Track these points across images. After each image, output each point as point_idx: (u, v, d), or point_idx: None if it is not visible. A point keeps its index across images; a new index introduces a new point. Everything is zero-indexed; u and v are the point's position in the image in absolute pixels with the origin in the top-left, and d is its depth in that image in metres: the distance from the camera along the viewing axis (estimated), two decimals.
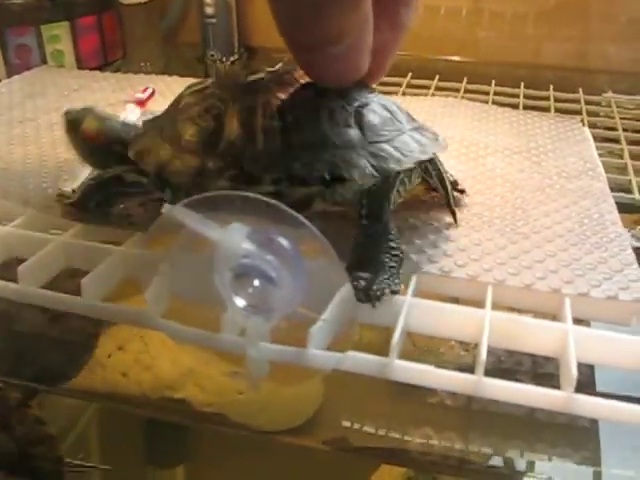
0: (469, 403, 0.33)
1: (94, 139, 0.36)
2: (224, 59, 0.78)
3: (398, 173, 0.32)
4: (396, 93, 0.67)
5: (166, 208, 0.25)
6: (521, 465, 0.33)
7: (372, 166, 0.31)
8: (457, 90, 0.69)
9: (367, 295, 0.28)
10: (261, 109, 0.32)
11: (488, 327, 0.28)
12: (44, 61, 0.70)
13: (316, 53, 0.28)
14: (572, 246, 0.34)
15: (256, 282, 0.25)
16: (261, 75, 0.34)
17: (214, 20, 0.77)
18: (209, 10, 0.77)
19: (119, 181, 0.36)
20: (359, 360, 0.26)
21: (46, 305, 0.31)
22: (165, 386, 0.35)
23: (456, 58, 0.83)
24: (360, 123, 0.32)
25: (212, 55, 0.78)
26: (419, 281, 0.31)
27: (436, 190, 0.37)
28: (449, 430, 0.33)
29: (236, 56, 0.79)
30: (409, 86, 0.71)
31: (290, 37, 0.28)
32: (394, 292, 0.29)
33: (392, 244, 0.31)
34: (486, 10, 0.83)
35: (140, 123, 0.36)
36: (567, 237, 0.35)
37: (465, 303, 0.30)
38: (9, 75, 0.66)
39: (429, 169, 0.35)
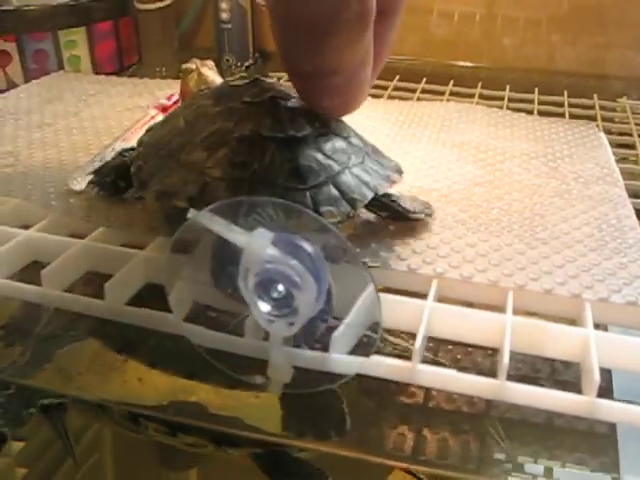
0: (487, 409, 0.33)
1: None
2: (239, 64, 0.78)
3: None
4: (411, 99, 0.67)
5: (192, 213, 0.25)
6: (538, 471, 0.33)
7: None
8: (472, 96, 0.69)
9: None
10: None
11: (510, 332, 0.28)
12: (61, 66, 0.70)
13: (314, 82, 0.28)
14: (591, 251, 0.34)
15: (280, 287, 0.25)
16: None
17: (229, 25, 0.77)
18: (224, 15, 0.77)
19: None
20: (382, 365, 0.27)
21: (69, 308, 0.31)
22: (180, 389, 0.35)
23: (470, 64, 0.83)
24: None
25: (227, 60, 0.78)
26: (440, 286, 0.31)
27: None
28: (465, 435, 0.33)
29: (251, 61, 0.79)
30: (423, 91, 0.71)
31: (289, 63, 0.28)
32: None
33: None
34: (500, 15, 0.83)
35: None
36: (586, 242, 0.35)
37: (485, 309, 0.30)
38: (27, 80, 0.66)
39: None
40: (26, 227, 0.36)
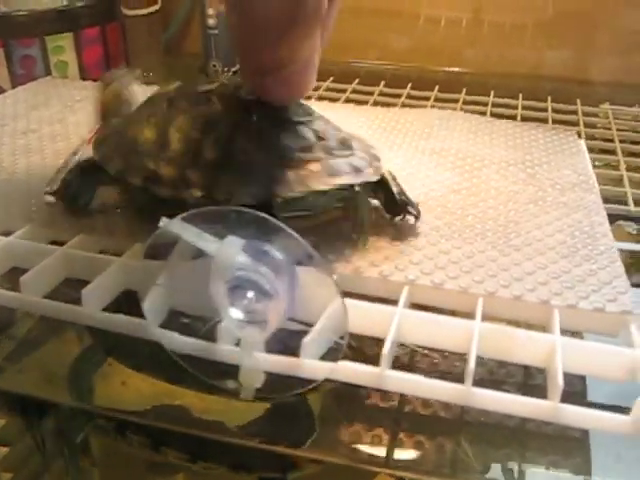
0: (461, 413, 0.33)
1: (108, 105, 0.39)
2: (226, 69, 0.79)
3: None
4: (396, 104, 0.68)
5: (163, 222, 0.26)
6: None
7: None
8: (456, 101, 0.70)
9: None
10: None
11: (477, 338, 0.28)
12: (48, 72, 0.70)
13: (271, 75, 0.30)
14: (562, 258, 0.35)
15: (250, 294, 0.25)
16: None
17: (216, 31, 0.78)
18: (211, 21, 0.78)
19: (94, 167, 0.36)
20: (351, 370, 0.27)
21: (48, 314, 0.32)
22: (164, 393, 0.35)
23: (455, 69, 0.83)
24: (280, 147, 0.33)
25: (214, 65, 0.79)
26: (411, 292, 0.31)
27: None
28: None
29: (238, 66, 0.80)
30: (409, 97, 0.71)
31: (248, 61, 0.30)
32: None
33: None
34: (486, 21, 0.83)
35: None
36: (558, 249, 0.36)
37: (459, 316, 0.31)
38: (14, 85, 0.67)
39: (351, 200, 0.35)
40: (7, 234, 0.36)
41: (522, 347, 0.29)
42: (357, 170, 0.34)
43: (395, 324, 0.29)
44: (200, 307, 0.27)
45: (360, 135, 0.38)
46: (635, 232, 0.48)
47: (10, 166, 0.45)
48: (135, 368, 0.35)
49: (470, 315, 0.31)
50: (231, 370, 0.28)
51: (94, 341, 0.37)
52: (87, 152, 0.40)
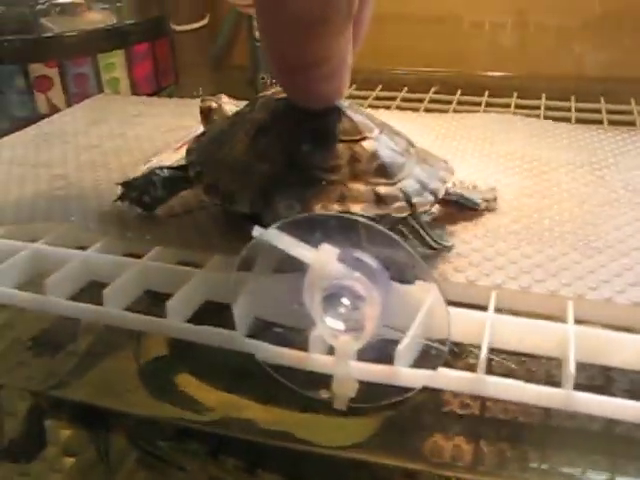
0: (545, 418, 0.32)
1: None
2: (274, 81, 0.79)
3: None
4: (447, 110, 0.67)
5: (257, 231, 0.25)
6: None
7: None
8: (507, 105, 0.69)
9: None
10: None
11: (574, 341, 0.28)
12: (101, 89, 0.71)
13: (302, 75, 0.29)
14: None
15: (346, 301, 0.25)
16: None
17: None
18: (258, 33, 0.78)
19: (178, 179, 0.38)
20: (449, 377, 0.27)
21: (129, 327, 0.32)
22: (231, 405, 0.35)
23: (503, 73, 0.82)
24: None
25: (263, 78, 0.79)
26: (499, 297, 0.31)
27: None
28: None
29: None
30: (459, 103, 0.71)
31: (277, 58, 0.29)
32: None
33: None
34: (531, 23, 0.83)
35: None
36: None
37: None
38: (68, 104, 0.68)
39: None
40: (83, 249, 0.36)
41: (621, 351, 0.28)
42: (380, 201, 0.32)
43: (488, 329, 0.28)
44: (292, 317, 0.27)
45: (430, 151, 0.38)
46: None
47: (78, 182, 0.45)
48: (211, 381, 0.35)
49: (557, 319, 0.30)
50: (324, 380, 0.27)
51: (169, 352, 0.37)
52: (164, 160, 0.40)
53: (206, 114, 0.41)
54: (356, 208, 0.31)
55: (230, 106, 0.41)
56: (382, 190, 0.32)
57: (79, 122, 0.58)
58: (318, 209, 0.31)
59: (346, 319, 0.25)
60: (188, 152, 0.37)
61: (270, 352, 0.28)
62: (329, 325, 0.26)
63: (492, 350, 0.29)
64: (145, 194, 0.38)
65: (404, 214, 0.33)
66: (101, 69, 0.72)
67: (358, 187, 0.32)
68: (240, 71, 0.83)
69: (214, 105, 0.41)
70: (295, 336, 0.28)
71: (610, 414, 0.26)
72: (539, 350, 0.29)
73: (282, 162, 0.33)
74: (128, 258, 0.35)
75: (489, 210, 0.39)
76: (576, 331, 0.28)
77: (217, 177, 0.34)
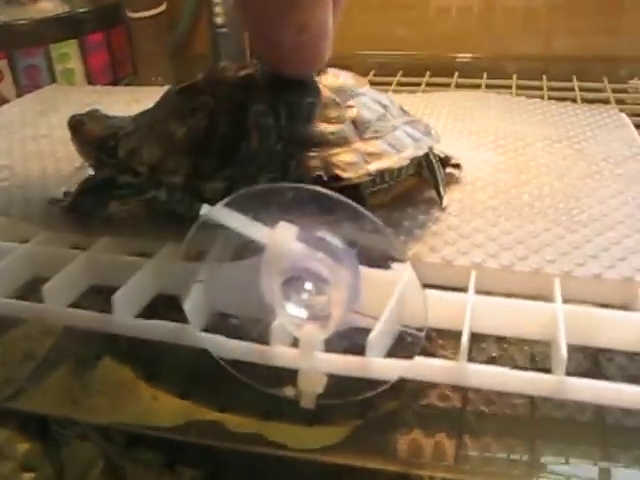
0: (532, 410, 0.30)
1: (95, 140, 0.35)
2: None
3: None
4: (416, 92, 0.65)
5: (205, 209, 0.22)
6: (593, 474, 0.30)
7: (367, 163, 0.30)
8: (478, 86, 0.67)
9: None
10: (253, 106, 0.31)
11: (563, 322, 0.25)
12: (54, 81, 0.68)
13: (284, 45, 0.28)
14: (636, 232, 0.32)
15: (309, 285, 0.22)
16: (251, 70, 0.32)
17: (225, 30, 0.75)
18: (219, 19, 0.75)
19: (110, 184, 0.34)
20: (428, 367, 0.24)
21: (76, 324, 0.29)
22: (196, 409, 0.32)
23: (473, 55, 0.80)
24: (354, 119, 0.31)
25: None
26: (479, 277, 0.28)
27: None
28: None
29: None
30: (428, 85, 0.68)
31: (260, 34, 0.28)
32: None
33: None
34: (498, 6, 0.81)
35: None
36: (628, 223, 0.33)
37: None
38: (19, 96, 0.64)
39: (421, 162, 0.34)
40: (26, 242, 0.33)
41: (612, 330, 0.26)
42: (418, 139, 0.33)
43: (469, 313, 0.25)
44: (250, 306, 0.24)
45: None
46: None
47: (23, 171, 0.42)
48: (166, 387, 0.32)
49: (543, 299, 0.28)
50: (289, 375, 0.24)
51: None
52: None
53: (77, 129, 0.37)
54: (414, 152, 0.32)
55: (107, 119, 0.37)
56: (390, 139, 0.32)
57: (28, 112, 0.55)
58: (390, 164, 0.31)
59: (310, 306, 0.23)
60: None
61: (227, 347, 0.25)
62: (291, 313, 0.23)
63: (474, 335, 0.26)
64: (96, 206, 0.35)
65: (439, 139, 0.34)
66: (54, 60, 0.68)
67: (398, 134, 0.32)
68: (201, 59, 0.79)
69: (85, 120, 0.37)
70: (255, 328, 0.25)
71: (606, 400, 0.23)
72: (526, 333, 0.27)
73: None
74: (71, 250, 0.32)
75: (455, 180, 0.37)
76: (565, 311, 0.26)
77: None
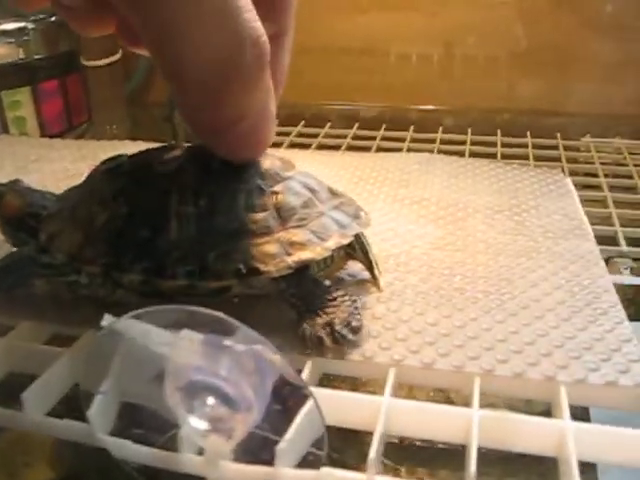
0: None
1: (14, 214, 0.34)
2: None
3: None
4: (371, 147, 0.65)
5: (107, 320, 0.22)
6: None
7: (288, 255, 0.29)
8: (433, 141, 0.67)
9: (334, 339, 0.28)
10: (176, 194, 0.30)
11: (477, 428, 0.25)
12: (5, 128, 0.67)
13: (224, 133, 0.27)
14: (564, 321, 0.31)
15: (210, 400, 0.22)
16: (179, 153, 0.32)
17: None
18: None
19: (32, 262, 0.33)
20: (334, 478, 0.23)
21: None
22: None
23: (430, 107, 0.81)
24: (278, 206, 0.31)
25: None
26: (398, 375, 0.28)
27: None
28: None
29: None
30: (383, 139, 0.69)
31: (195, 121, 0.27)
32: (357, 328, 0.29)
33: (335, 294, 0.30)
34: (458, 56, 0.81)
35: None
36: (558, 311, 0.32)
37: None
38: None
39: (353, 244, 0.33)
40: None
41: (529, 435, 0.25)
42: (345, 225, 0.32)
43: (382, 418, 0.25)
44: (155, 414, 0.23)
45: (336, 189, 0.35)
46: (628, 271, 0.45)
47: None
48: None
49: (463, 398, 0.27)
50: None
51: None
52: None
53: None
54: (339, 239, 0.31)
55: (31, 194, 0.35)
56: (315, 227, 0.31)
57: None
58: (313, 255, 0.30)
59: (213, 419, 0.22)
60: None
61: (131, 450, 0.24)
62: (195, 426, 0.22)
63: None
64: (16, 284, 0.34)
65: (368, 225, 0.34)
66: (5, 107, 0.68)
67: (324, 222, 0.31)
68: (158, 107, 0.79)
69: (6, 192, 0.35)
70: (160, 435, 0.24)
71: None
72: (442, 437, 0.26)
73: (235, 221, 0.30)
74: None
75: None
76: (481, 416, 0.25)
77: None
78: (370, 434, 0.24)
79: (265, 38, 0.25)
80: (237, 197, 0.30)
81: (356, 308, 0.30)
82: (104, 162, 0.33)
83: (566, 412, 0.26)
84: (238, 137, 0.28)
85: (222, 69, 0.25)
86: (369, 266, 0.35)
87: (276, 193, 0.31)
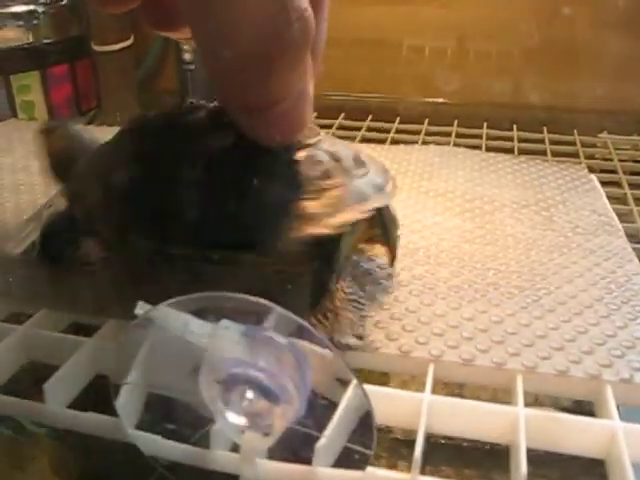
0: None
1: (60, 154, 0.34)
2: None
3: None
4: (385, 140, 0.64)
5: (141, 307, 0.21)
6: None
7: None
8: (448, 134, 0.66)
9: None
10: (194, 159, 0.29)
11: (524, 427, 0.24)
12: (14, 113, 0.66)
13: (264, 113, 0.26)
14: (603, 319, 0.30)
15: (249, 394, 0.20)
16: (202, 114, 0.31)
17: (192, 66, 0.73)
18: (187, 56, 0.74)
19: (71, 222, 0.32)
20: (378, 479, 0.22)
21: (6, 413, 0.26)
22: None
23: (444, 100, 0.79)
24: (296, 177, 0.29)
25: (191, 102, 0.74)
26: (437, 371, 0.27)
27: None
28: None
29: (215, 102, 0.75)
30: (398, 132, 0.67)
31: (237, 102, 0.26)
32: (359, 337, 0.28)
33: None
34: (471, 50, 0.80)
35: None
36: (596, 307, 0.31)
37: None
38: None
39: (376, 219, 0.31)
40: None
41: (577, 435, 0.24)
42: (380, 189, 0.30)
43: (424, 416, 0.24)
44: (189, 408, 0.22)
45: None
46: None
47: None
48: None
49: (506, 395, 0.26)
50: None
51: None
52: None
53: (47, 135, 0.35)
54: (376, 202, 0.29)
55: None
56: (374, 180, 0.30)
57: None
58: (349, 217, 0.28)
59: (251, 414, 0.21)
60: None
61: (162, 446, 0.23)
62: (231, 421, 0.21)
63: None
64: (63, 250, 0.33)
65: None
66: (14, 92, 0.66)
67: (358, 184, 0.30)
68: (168, 95, 0.78)
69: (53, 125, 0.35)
70: (193, 431, 0.23)
71: None
72: (485, 436, 0.25)
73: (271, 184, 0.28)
74: (4, 324, 0.29)
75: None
76: (526, 415, 0.24)
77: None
78: (385, 432, 0.23)
79: (310, 12, 0.24)
80: (252, 167, 0.28)
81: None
82: (132, 121, 0.32)
83: (614, 412, 0.25)
84: (278, 117, 0.26)
85: (267, 44, 0.23)
86: (387, 243, 0.33)
87: (294, 162, 0.29)
